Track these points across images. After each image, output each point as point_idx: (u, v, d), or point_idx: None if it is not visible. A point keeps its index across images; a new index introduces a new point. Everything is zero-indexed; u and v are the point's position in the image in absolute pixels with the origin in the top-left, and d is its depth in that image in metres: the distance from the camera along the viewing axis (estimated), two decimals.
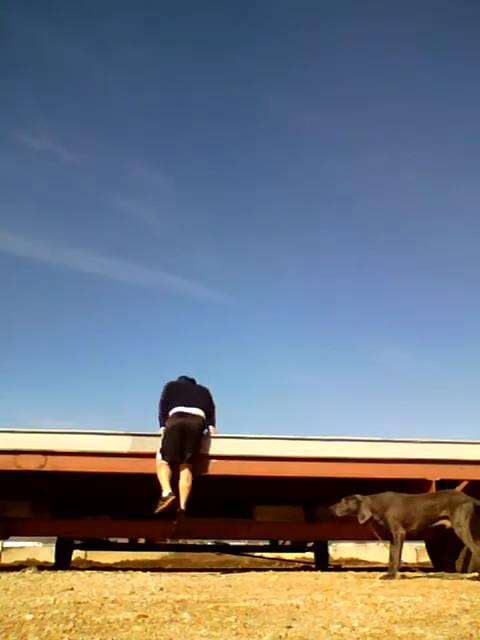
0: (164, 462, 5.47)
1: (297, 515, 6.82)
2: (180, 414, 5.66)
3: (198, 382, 6.25)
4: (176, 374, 6.26)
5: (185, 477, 5.43)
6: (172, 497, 5.20)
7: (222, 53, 38.09)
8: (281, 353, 48.90)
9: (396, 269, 45.76)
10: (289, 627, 2.26)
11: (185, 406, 5.70)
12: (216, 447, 5.79)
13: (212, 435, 5.84)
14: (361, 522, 5.04)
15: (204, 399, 5.97)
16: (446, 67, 38.63)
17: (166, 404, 5.84)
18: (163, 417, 5.76)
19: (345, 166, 43.20)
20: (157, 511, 5.19)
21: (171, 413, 5.69)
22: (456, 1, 34.19)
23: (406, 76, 38.51)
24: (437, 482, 5.82)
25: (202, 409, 5.79)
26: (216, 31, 36.74)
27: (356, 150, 43.36)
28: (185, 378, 6.23)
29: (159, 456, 5.51)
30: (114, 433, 5.88)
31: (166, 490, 5.30)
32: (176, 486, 5.38)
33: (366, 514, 5.02)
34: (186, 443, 5.50)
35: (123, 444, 5.78)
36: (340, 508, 5.14)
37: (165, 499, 5.21)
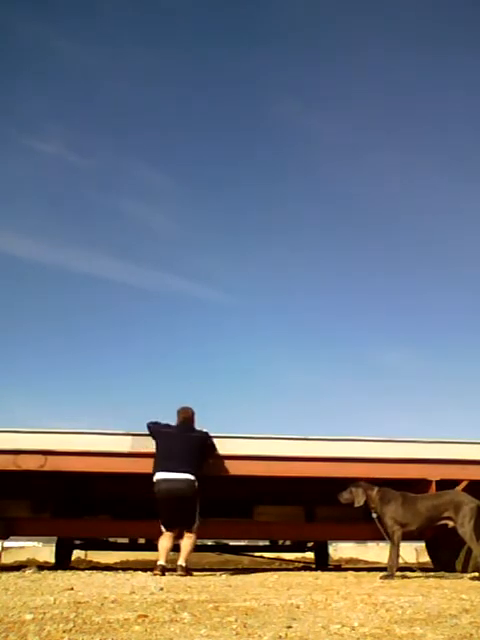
0: (165, 533, 5.24)
1: (297, 515, 6.82)
2: (165, 481, 5.20)
3: (197, 416, 5.72)
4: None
5: (186, 536, 5.24)
6: (162, 572, 4.97)
7: (225, 54, 38.08)
8: (282, 353, 48.86)
9: (399, 270, 45.72)
10: (289, 627, 2.26)
11: (169, 471, 5.21)
12: (217, 447, 5.77)
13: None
14: (355, 506, 5.14)
15: (194, 455, 5.37)
16: (449, 67, 38.59)
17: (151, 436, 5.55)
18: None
19: (347, 167, 43.18)
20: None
21: (155, 478, 5.24)
22: (459, 2, 34.16)
23: (408, 76, 38.48)
24: (437, 482, 5.83)
25: (191, 469, 5.24)
26: (219, 32, 36.72)
27: (357, 151, 43.35)
28: (180, 428, 5.56)
29: (161, 526, 5.28)
30: (114, 433, 5.87)
31: (160, 561, 5.11)
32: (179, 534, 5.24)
33: (360, 500, 5.11)
34: (177, 514, 5.22)
35: (123, 444, 5.78)
36: (344, 495, 5.24)
37: (157, 567, 5.05)
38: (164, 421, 5.69)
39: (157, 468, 5.29)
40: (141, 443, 5.72)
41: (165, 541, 5.21)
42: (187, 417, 5.67)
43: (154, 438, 5.53)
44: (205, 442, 5.58)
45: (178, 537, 5.29)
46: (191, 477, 5.22)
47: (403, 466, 5.97)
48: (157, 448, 5.45)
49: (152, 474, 5.28)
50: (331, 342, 47.83)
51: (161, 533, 5.27)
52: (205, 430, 5.65)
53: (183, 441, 5.41)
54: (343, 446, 6.01)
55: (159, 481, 5.22)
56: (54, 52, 35.74)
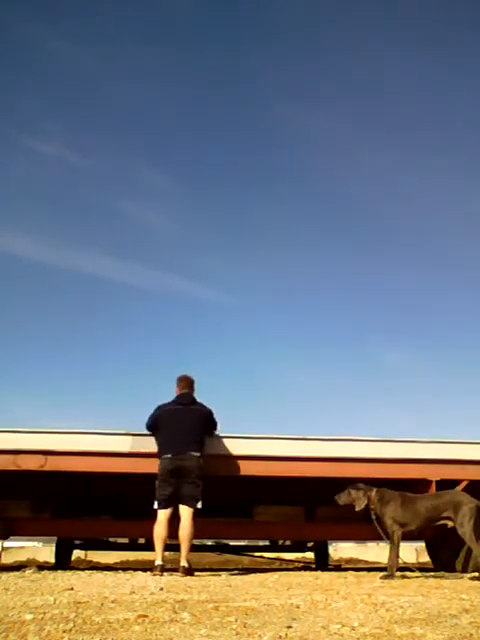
0: (161, 516, 5.12)
1: (297, 515, 6.81)
2: (170, 458, 5.23)
3: (198, 389, 5.73)
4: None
5: (184, 526, 5.08)
6: (161, 572, 4.87)
7: (224, 54, 38.07)
8: (282, 353, 48.83)
9: (399, 270, 45.70)
10: (289, 627, 2.26)
11: (175, 454, 5.22)
12: (216, 447, 5.78)
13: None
14: (357, 509, 5.12)
15: (197, 431, 5.38)
16: (449, 67, 38.59)
17: (154, 430, 5.53)
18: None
19: (347, 167, 43.19)
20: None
21: (162, 457, 5.28)
22: (458, 2, 34.14)
23: (408, 76, 38.48)
24: (437, 482, 5.82)
25: (195, 447, 5.28)
26: (219, 32, 36.71)
27: (358, 152, 43.34)
28: (180, 399, 5.56)
29: (156, 504, 5.19)
30: (114, 433, 5.87)
31: (157, 560, 5.00)
32: (177, 531, 5.10)
33: (361, 503, 5.08)
34: (179, 485, 5.17)
35: (123, 444, 5.77)
36: (342, 497, 5.22)
37: (155, 568, 4.95)
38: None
39: (162, 451, 5.31)
40: (141, 443, 5.71)
41: (161, 529, 5.09)
42: (187, 386, 5.66)
43: (157, 427, 5.50)
44: (207, 417, 5.55)
45: (173, 536, 5.18)
46: (196, 453, 5.26)
47: (403, 466, 5.96)
48: (160, 432, 5.45)
49: (158, 456, 5.31)
50: (331, 342, 47.85)
51: (155, 520, 5.14)
52: (208, 406, 5.60)
53: (185, 419, 5.40)
54: (343, 446, 6.01)
55: (163, 459, 5.25)
56: (54, 52, 35.79)
